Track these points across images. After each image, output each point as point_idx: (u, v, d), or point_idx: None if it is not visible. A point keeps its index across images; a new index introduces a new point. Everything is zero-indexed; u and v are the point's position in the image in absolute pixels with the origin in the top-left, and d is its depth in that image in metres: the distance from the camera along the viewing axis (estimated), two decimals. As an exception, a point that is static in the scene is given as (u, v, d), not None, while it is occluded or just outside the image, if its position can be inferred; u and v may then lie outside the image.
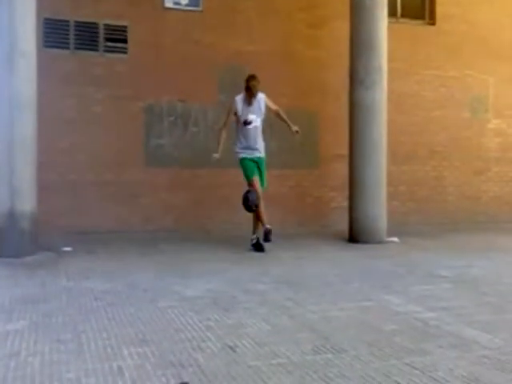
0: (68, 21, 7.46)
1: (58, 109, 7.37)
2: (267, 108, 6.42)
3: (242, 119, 6.30)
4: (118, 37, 7.64)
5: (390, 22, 7.33)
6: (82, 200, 7.49)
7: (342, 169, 7.81)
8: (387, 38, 7.04)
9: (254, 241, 6.32)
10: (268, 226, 6.11)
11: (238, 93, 8.23)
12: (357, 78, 6.93)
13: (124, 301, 3.88)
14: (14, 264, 5.26)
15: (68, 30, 7.46)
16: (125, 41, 7.67)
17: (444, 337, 3.09)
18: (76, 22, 7.50)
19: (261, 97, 6.36)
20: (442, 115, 9.33)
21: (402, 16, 9.24)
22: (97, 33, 7.57)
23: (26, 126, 5.71)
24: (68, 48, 7.48)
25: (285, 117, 6.54)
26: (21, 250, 5.56)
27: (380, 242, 6.91)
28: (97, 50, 7.60)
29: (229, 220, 7.93)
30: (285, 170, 8.43)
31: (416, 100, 9.17)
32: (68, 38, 7.47)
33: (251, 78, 6.27)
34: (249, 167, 6.33)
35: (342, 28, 7.46)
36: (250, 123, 6.29)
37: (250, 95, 6.27)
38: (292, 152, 8.44)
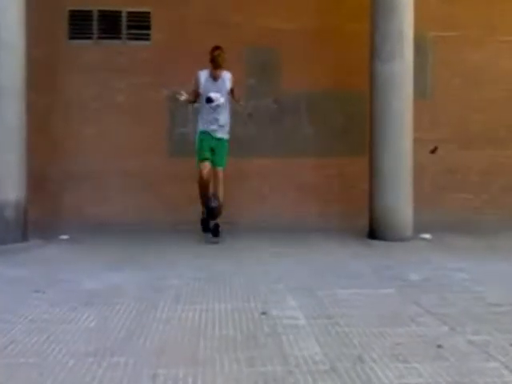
0: (91, 11, 7.45)
1: (82, 98, 7.41)
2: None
3: (205, 96, 5.88)
4: (140, 23, 7.47)
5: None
6: (105, 190, 7.43)
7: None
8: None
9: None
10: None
11: (267, 76, 7.72)
12: (373, 48, 6.00)
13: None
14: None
15: (91, 21, 7.44)
16: (148, 27, 7.48)
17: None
18: (99, 11, 7.45)
19: (227, 76, 5.99)
20: None
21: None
22: (119, 21, 7.46)
23: (11, 115, 5.71)
24: (91, 38, 7.47)
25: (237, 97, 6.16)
26: (4, 238, 5.56)
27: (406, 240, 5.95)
28: (120, 39, 7.49)
29: (258, 212, 7.39)
30: (324, 159, 7.68)
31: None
32: (92, 29, 7.46)
33: (216, 48, 5.89)
34: (204, 146, 5.97)
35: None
36: (212, 101, 5.85)
37: (215, 67, 5.88)
38: (333, 138, 7.68)
